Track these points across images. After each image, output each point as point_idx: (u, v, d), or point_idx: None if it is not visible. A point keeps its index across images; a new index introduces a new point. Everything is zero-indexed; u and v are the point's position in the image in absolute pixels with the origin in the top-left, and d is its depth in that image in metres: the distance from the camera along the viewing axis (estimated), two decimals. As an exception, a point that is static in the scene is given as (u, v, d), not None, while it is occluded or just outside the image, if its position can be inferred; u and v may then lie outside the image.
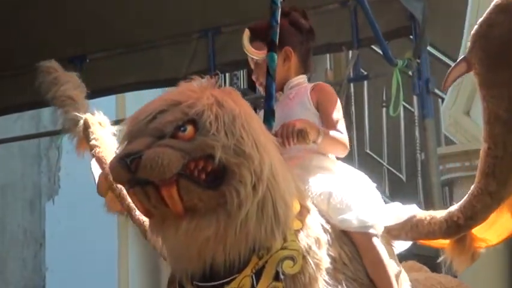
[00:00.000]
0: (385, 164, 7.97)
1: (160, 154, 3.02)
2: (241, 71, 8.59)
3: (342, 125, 3.66)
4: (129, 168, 3.02)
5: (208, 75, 3.61)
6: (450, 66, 7.33)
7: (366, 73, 5.55)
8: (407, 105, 6.48)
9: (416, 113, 6.25)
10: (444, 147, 6.75)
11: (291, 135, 3.47)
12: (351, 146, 3.73)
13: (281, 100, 3.75)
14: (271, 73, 3.72)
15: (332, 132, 3.59)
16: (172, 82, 6.09)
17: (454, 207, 3.33)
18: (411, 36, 5.47)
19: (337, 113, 3.68)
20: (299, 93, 3.73)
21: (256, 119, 3.29)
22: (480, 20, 3.16)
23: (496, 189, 3.23)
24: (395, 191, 7.66)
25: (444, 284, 3.82)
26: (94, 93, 5.88)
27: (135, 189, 3.08)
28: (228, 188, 3.08)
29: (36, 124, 7.82)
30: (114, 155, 3.28)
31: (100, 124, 4.01)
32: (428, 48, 5.86)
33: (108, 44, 5.95)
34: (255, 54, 3.83)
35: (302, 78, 3.78)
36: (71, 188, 8.21)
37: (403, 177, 7.72)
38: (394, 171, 8.02)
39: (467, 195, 3.29)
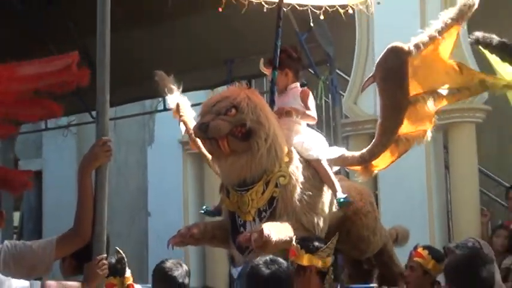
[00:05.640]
0: (315, 129, 7.51)
1: (218, 123, 3.03)
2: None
3: (312, 108, 3.51)
4: (202, 130, 3.07)
5: (232, 83, 3.52)
6: (347, 80, 6.89)
7: (305, 82, 5.47)
8: (326, 99, 6.14)
9: (330, 103, 5.98)
10: (344, 119, 6.51)
11: (282, 114, 3.43)
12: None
13: (284, 94, 3.61)
14: (274, 82, 3.65)
15: (306, 112, 3.50)
16: (209, 87, 6.24)
17: (364, 150, 3.31)
18: (328, 64, 5.53)
19: (310, 102, 3.53)
20: (293, 91, 3.59)
21: (267, 106, 3.28)
22: (380, 55, 3.13)
23: (385, 142, 3.24)
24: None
25: (356, 187, 3.68)
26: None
27: (206, 141, 3.14)
28: (252, 141, 3.08)
29: (142, 107, 7.68)
30: (194, 123, 3.29)
31: (183, 103, 3.93)
32: (337, 70, 5.86)
33: (176, 67, 5.51)
34: (266, 71, 3.74)
35: (295, 84, 3.62)
36: (159, 140, 7.99)
37: (324, 135, 7.53)
38: (318, 130, 7.48)
39: (371, 144, 3.25)
